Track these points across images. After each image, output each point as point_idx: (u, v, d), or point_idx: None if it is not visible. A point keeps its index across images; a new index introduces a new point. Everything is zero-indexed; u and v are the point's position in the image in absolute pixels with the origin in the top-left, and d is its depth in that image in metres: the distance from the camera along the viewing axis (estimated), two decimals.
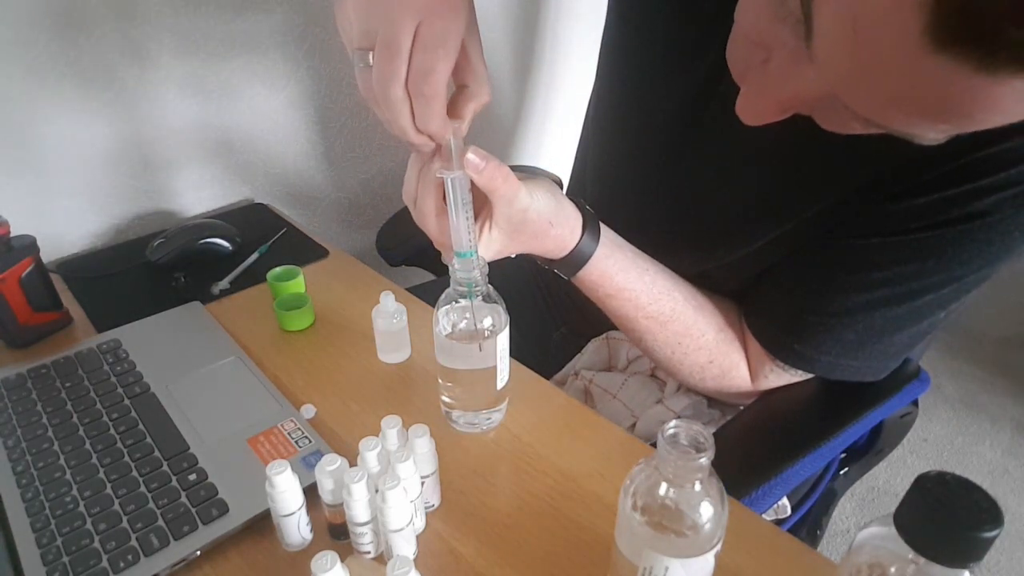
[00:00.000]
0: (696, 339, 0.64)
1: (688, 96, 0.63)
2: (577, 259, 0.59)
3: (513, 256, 0.59)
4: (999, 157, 0.48)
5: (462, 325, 0.55)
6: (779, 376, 0.64)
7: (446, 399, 0.60)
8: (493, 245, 0.55)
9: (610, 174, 0.75)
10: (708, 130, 0.63)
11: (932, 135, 0.34)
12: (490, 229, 0.54)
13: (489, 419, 0.60)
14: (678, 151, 0.66)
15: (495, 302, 0.55)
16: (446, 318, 0.55)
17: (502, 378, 0.58)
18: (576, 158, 0.87)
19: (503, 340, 0.55)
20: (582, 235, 0.59)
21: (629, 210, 0.68)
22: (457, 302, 0.54)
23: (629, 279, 0.62)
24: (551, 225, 0.56)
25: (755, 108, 0.41)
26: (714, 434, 0.36)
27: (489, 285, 0.54)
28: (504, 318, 0.55)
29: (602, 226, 0.61)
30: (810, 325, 0.59)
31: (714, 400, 0.74)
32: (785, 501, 0.68)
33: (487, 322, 0.55)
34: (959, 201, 0.50)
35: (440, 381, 0.59)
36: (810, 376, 0.63)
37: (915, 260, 0.53)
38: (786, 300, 0.61)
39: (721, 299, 0.67)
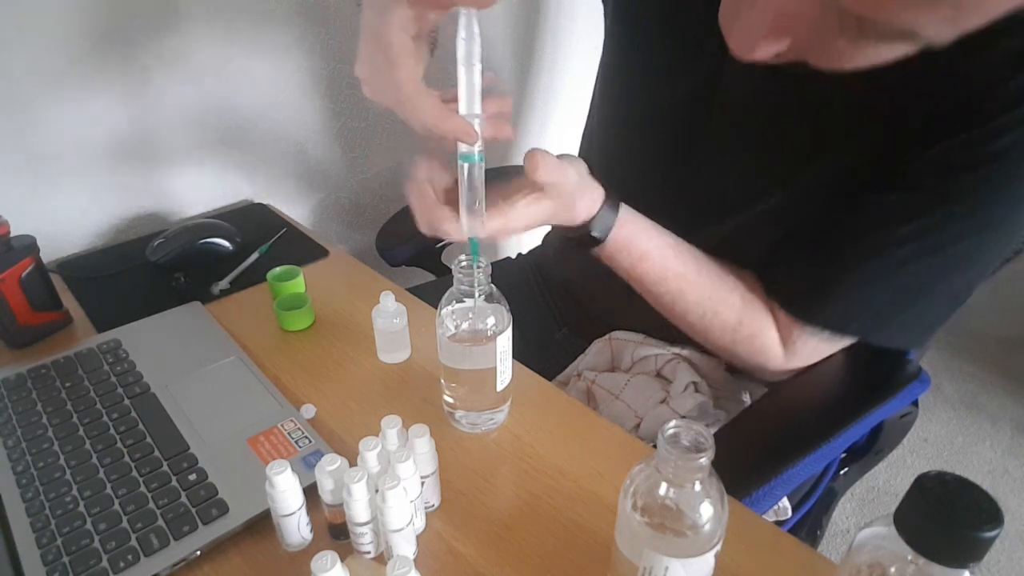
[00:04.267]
0: (725, 298, 0.64)
1: (695, 80, 0.64)
2: (605, 221, 0.60)
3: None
4: (1008, 95, 0.47)
5: (465, 325, 0.55)
6: (811, 345, 0.63)
7: (449, 399, 0.60)
8: (542, 214, 0.56)
9: (618, 167, 0.76)
10: (715, 113, 0.64)
11: (934, 29, 0.32)
12: (539, 200, 0.55)
13: (491, 419, 0.60)
14: (685, 139, 0.67)
15: (498, 302, 0.55)
16: (449, 318, 0.55)
17: (504, 379, 0.58)
18: (579, 155, 0.87)
19: (505, 340, 0.55)
20: (604, 200, 0.60)
21: (638, 201, 0.69)
22: (460, 302, 0.54)
23: (653, 240, 0.63)
24: (582, 191, 0.59)
25: (747, 32, 0.39)
26: (716, 434, 0.36)
27: (492, 285, 0.54)
28: (507, 318, 0.55)
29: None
30: (837, 288, 0.58)
31: (719, 401, 0.74)
32: (786, 502, 0.68)
33: (490, 322, 0.55)
34: (973, 145, 0.49)
35: (443, 381, 0.60)
36: (844, 345, 0.62)
37: (936, 211, 0.52)
38: (811, 264, 0.61)
39: (740, 269, 0.67)
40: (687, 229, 0.67)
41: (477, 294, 0.53)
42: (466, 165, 0.50)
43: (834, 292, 0.59)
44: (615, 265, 0.64)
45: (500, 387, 0.58)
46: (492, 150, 0.50)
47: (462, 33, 0.46)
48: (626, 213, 0.62)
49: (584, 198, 0.59)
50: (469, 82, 0.47)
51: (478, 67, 0.47)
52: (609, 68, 0.77)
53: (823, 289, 0.60)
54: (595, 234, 0.61)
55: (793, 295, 0.63)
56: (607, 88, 0.78)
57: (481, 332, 0.55)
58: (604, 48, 0.78)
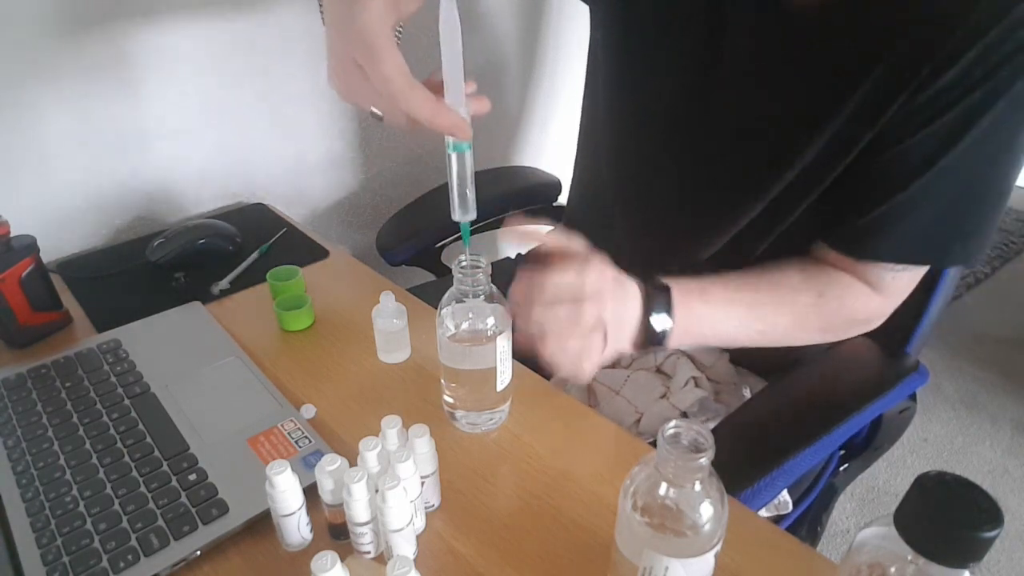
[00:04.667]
0: (796, 299, 0.63)
1: (691, 61, 0.65)
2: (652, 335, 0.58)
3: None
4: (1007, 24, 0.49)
5: (465, 325, 0.55)
6: (899, 278, 0.62)
7: (449, 399, 0.60)
8: (610, 352, 0.55)
9: (624, 157, 0.77)
10: (714, 89, 0.65)
11: None
12: (605, 347, 0.54)
13: (491, 419, 0.60)
14: (685, 119, 0.68)
15: (498, 302, 0.55)
16: (449, 318, 0.55)
17: (504, 378, 0.58)
18: (577, 154, 0.87)
19: (505, 341, 0.55)
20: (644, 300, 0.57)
21: (651, 186, 0.70)
22: (460, 302, 0.54)
23: (716, 312, 0.61)
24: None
25: None
26: (716, 427, 0.36)
27: (492, 285, 0.54)
28: (507, 319, 0.55)
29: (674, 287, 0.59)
30: (899, 220, 0.59)
31: (719, 395, 0.74)
32: (786, 497, 0.69)
33: (490, 322, 0.55)
34: (979, 67, 0.51)
35: (443, 381, 0.60)
36: (922, 272, 0.63)
37: (960, 137, 0.53)
38: (853, 211, 0.61)
39: (785, 266, 0.66)
40: (701, 204, 0.67)
41: (477, 295, 0.53)
42: (454, 155, 0.50)
43: (882, 222, 0.59)
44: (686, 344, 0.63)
45: (500, 387, 0.58)
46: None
47: (444, 16, 0.45)
48: (678, 297, 0.59)
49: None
50: (453, 68, 0.47)
51: (459, 52, 0.46)
52: (602, 69, 0.78)
53: (870, 226, 0.60)
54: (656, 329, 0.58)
55: (848, 241, 0.62)
56: (602, 90, 0.79)
57: (481, 332, 0.55)
58: (591, 53, 0.79)
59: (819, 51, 0.58)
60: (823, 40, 0.58)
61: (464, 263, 0.52)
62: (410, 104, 0.45)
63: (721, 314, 0.61)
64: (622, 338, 0.56)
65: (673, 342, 0.60)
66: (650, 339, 0.58)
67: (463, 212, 0.52)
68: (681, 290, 0.60)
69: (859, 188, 0.60)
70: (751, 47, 0.62)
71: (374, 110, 0.48)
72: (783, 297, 0.63)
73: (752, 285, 0.63)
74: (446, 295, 0.55)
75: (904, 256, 0.61)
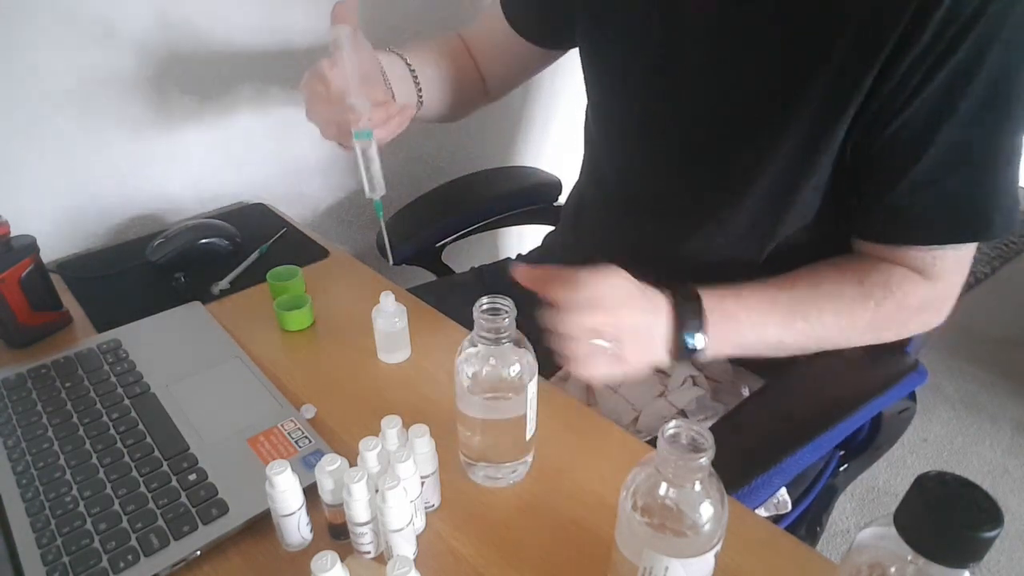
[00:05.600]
0: (841, 292, 0.61)
1: (654, 53, 0.67)
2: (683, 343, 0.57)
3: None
4: None
5: (486, 372, 0.50)
6: (942, 259, 0.60)
7: (466, 450, 0.55)
8: (641, 363, 0.55)
9: (614, 155, 0.78)
10: (679, 80, 0.66)
11: None
12: (625, 358, 0.54)
13: (515, 471, 0.55)
14: (656, 114, 0.70)
15: (524, 348, 0.50)
16: (467, 364, 0.50)
17: (532, 426, 0.53)
18: (585, 148, 0.88)
19: (534, 387, 0.51)
20: (675, 312, 0.57)
21: (640, 183, 0.71)
22: (475, 345, 0.49)
23: (751, 318, 0.60)
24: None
25: None
26: (714, 424, 0.36)
27: (517, 330, 0.49)
28: (534, 364, 0.50)
29: (705, 302, 0.58)
30: (921, 200, 0.58)
31: (717, 394, 0.74)
32: (786, 497, 0.69)
33: (514, 369, 0.50)
34: (952, 25, 0.51)
35: (459, 428, 0.55)
36: (970, 244, 0.60)
37: (958, 100, 0.53)
38: (886, 200, 0.60)
39: (818, 267, 0.65)
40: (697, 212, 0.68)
41: (501, 342, 0.48)
42: (357, 142, 0.60)
43: (909, 203, 0.58)
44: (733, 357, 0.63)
45: (528, 435, 0.53)
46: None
47: (345, 52, 0.59)
48: (710, 306, 0.58)
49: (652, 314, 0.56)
50: (352, 78, 0.59)
51: (355, 69, 0.59)
52: (585, 68, 0.79)
53: (899, 210, 0.59)
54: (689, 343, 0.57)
55: (878, 228, 0.61)
56: (589, 90, 0.81)
57: (506, 380, 0.50)
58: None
59: (778, 32, 0.58)
60: (782, 19, 0.58)
61: (486, 306, 0.48)
62: (311, 113, 0.62)
63: (758, 316, 0.60)
64: (654, 350, 0.55)
65: (712, 350, 0.58)
66: (683, 349, 0.57)
67: (370, 190, 0.63)
68: (712, 296, 0.58)
69: (872, 171, 0.60)
70: (709, 35, 0.62)
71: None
72: (826, 291, 0.61)
73: (789, 283, 0.62)
74: (465, 340, 0.50)
75: (935, 236, 0.59)
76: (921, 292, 0.61)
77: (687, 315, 0.57)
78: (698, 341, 0.57)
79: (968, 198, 0.57)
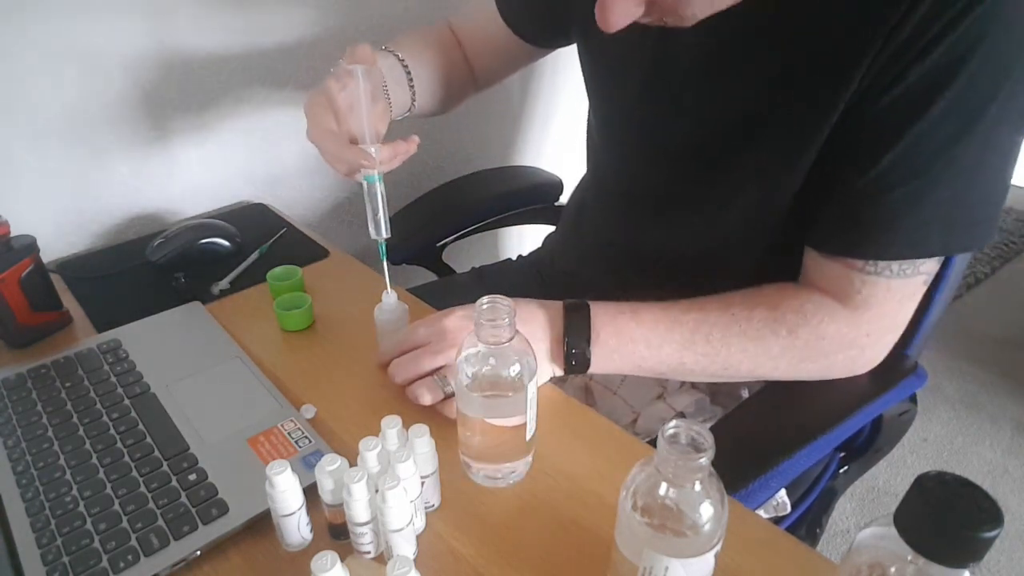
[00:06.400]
0: (751, 316, 0.60)
1: (647, 61, 0.68)
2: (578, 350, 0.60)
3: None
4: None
5: (485, 371, 0.50)
6: (871, 284, 0.57)
7: (465, 450, 0.56)
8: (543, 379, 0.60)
9: (612, 155, 0.79)
10: (674, 86, 0.67)
11: None
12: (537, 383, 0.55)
13: (514, 471, 0.55)
14: (652, 119, 0.70)
15: (524, 346, 0.51)
16: (467, 364, 0.51)
17: (533, 426, 0.53)
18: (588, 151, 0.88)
19: (534, 386, 0.51)
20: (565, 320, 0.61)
21: (637, 185, 0.71)
22: (474, 345, 0.50)
23: (641, 328, 0.60)
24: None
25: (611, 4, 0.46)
26: (712, 426, 0.36)
27: (518, 331, 0.50)
28: (534, 364, 0.51)
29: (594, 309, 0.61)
30: (865, 208, 0.55)
31: (716, 397, 0.74)
32: (785, 499, 0.68)
33: (514, 369, 0.50)
34: (936, 22, 0.49)
35: (459, 428, 0.55)
36: (922, 275, 0.57)
37: (930, 105, 0.51)
38: (833, 204, 0.58)
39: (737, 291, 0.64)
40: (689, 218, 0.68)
41: (499, 339, 0.48)
42: (365, 183, 0.61)
43: (865, 216, 0.55)
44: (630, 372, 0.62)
45: (529, 435, 0.53)
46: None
47: (353, 92, 0.59)
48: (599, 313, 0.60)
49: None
50: (359, 123, 0.61)
51: (365, 113, 0.60)
52: (585, 71, 0.80)
53: (854, 216, 0.56)
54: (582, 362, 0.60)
55: (828, 235, 0.59)
56: (589, 93, 0.81)
57: (506, 379, 0.50)
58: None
59: (766, 38, 0.58)
60: (770, 25, 0.58)
61: (486, 306, 0.48)
62: (322, 148, 0.64)
63: (654, 335, 0.59)
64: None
65: (598, 362, 0.60)
66: (571, 359, 0.59)
67: (376, 231, 0.62)
68: (607, 310, 0.60)
69: (833, 174, 0.58)
70: (699, 43, 0.62)
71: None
72: (735, 315, 0.59)
73: (698, 306, 0.61)
74: (465, 341, 0.50)
75: (870, 250, 0.56)
76: (840, 321, 0.59)
77: (574, 327, 0.59)
78: (585, 352, 0.59)
79: (908, 214, 0.54)
